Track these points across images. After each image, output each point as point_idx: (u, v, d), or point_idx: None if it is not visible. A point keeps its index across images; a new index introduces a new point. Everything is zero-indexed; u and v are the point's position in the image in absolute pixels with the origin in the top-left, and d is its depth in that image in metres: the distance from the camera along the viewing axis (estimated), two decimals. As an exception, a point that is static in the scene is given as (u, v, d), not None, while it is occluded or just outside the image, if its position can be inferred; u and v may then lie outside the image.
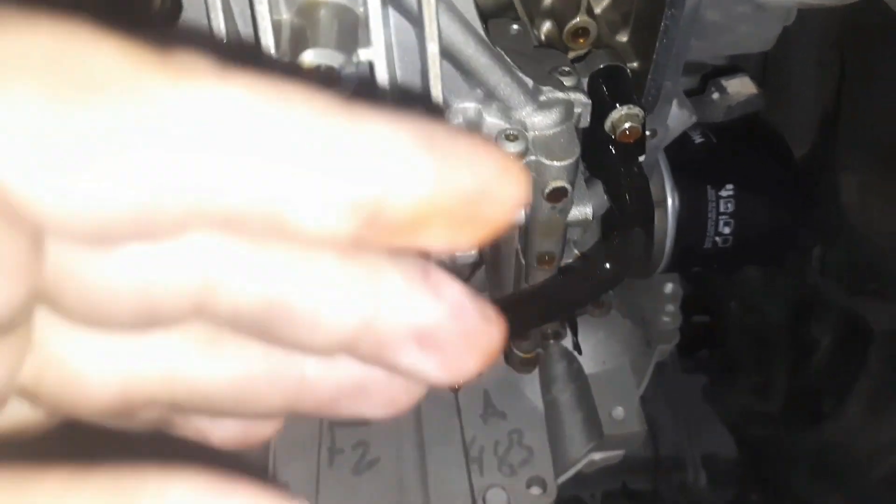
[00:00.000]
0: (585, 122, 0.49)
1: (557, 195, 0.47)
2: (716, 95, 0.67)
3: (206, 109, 0.17)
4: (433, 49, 0.38)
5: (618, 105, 0.48)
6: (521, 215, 0.50)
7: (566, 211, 0.49)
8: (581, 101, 0.47)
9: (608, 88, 0.49)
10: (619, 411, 0.84)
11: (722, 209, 0.68)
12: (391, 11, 0.41)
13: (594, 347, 0.87)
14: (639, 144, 0.49)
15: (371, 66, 0.37)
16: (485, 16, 0.53)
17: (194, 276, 0.19)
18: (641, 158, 0.50)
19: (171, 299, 0.19)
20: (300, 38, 0.36)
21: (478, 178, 0.19)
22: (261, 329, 0.21)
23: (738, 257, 0.73)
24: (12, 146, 0.15)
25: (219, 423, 0.25)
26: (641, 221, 0.48)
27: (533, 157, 0.46)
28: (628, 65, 0.54)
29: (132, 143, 0.16)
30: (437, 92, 0.39)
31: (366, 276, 0.21)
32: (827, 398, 0.95)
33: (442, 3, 0.40)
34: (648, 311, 0.92)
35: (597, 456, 0.87)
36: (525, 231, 0.52)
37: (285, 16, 0.37)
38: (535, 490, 0.82)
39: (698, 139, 0.71)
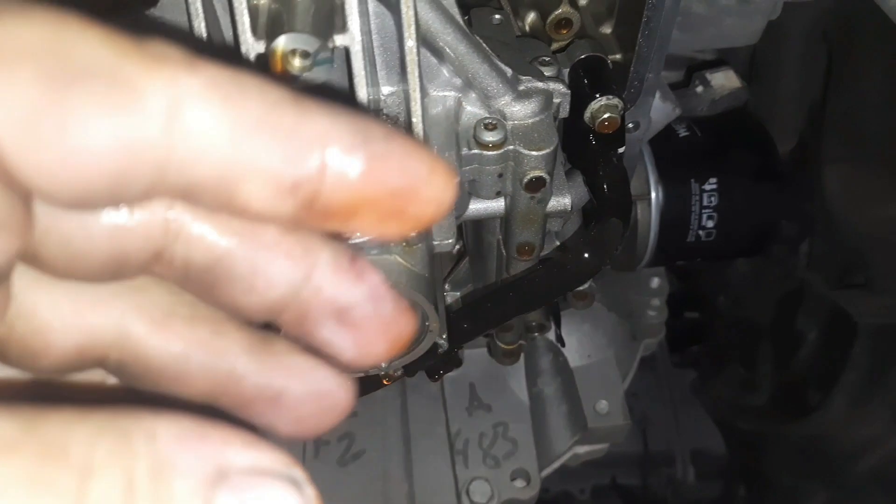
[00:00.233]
0: (565, 112, 0.49)
1: (536, 185, 0.47)
2: (700, 88, 0.67)
3: (172, 97, 0.20)
4: (410, 44, 0.38)
5: (597, 95, 0.48)
6: (500, 206, 0.50)
7: (545, 201, 0.49)
8: (560, 91, 0.47)
9: (588, 79, 0.50)
10: (603, 405, 0.85)
11: (705, 203, 0.69)
12: (369, -1, 0.41)
13: (579, 341, 0.87)
14: (618, 135, 0.49)
15: (347, 52, 0.37)
16: (468, 5, 0.54)
17: (157, 230, 0.23)
18: (621, 150, 0.51)
19: (137, 250, 0.23)
20: (277, 23, 0.36)
21: (406, 175, 0.22)
22: (206, 285, 0.24)
23: (721, 251, 0.73)
24: (10, 120, 0.18)
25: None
26: (619, 212, 0.48)
27: (511, 147, 0.46)
28: (612, 57, 0.54)
29: (108, 124, 0.19)
30: (414, 83, 0.39)
31: (299, 251, 0.24)
32: (813, 391, 0.96)
33: (420, -10, 0.40)
34: (634, 305, 0.93)
35: (581, 449, 0.88)
36: (505, 222, 0.52)
37: (263, 0, 0.37)
38: (520, 482, 0.83)
39: (683, 133, 0.71)
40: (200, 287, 0.24)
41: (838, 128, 0.78)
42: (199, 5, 0.37)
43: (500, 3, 0.55)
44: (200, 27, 0.36)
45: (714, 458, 1.35)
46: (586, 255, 0.49)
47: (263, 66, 0.36)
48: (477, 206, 0.50)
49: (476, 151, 0.45)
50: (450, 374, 0.88)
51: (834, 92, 0.78)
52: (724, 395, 1.22)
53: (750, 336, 1.10)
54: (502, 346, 0.71)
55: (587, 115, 0.49)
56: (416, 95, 0.40)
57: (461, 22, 0.43)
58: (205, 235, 0.23)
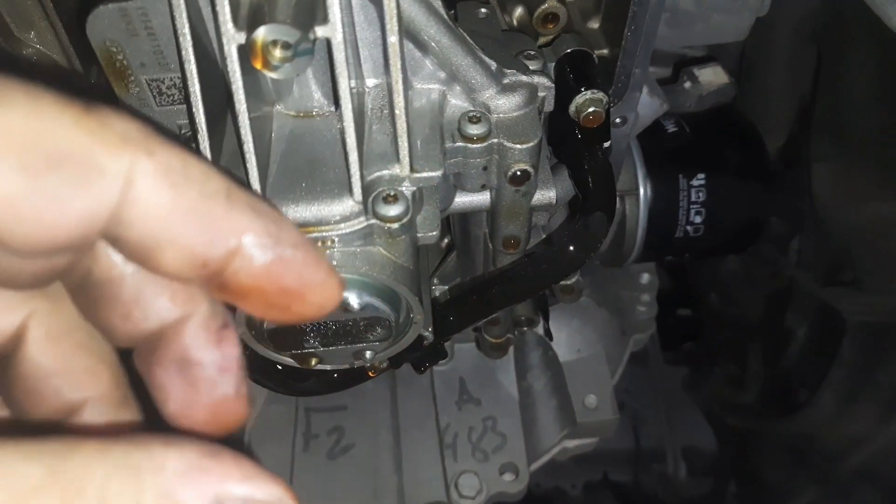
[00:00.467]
0: (550, 106, 0.49)
1: (521, 178, 0.47)
2: (688, 84, 0.68)
3: (129, 173, 0.23)
4: (393, 39, 0.38)
5: (582, 89, 0.48)
6: (486, 199, 0.50)
7: (530, 195, 0.49)
8: (545, 84, 0.48)
9: (573, 73, 0.50)
10: (592, 399, 0.85)
11: (693, 198, 0.69)
12: (353, -10, 0.41)
13: (569, 336, 0.87)
14: (603, 129, 0.49)
15: (329, 43, 0.37)
16: (455, -1, 0.54)
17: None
18: (607, 144, 0.51)
19: (63, 266, 0.27)
20: (258, 14, 0.36)
21: (299, 280, 0.26)
22: (91, 300, 0.28)
23: (709, 247, 0.73)
24: None
25: None
26: (604, 206, 0.48)
27: (496, 140, 0.46)
28: (599, 52, 0.54)
29: (77, 202, 0.23)
30: (398, 76, 0.40)
31: (183, 297, 0.27)
32: (802, 389, 0.96)
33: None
34: (624, 301, 0.93)
35: (570, 443, 0.88)
36: (491, 215, 0.52)
37: (244, -9, 0.38)
38: (508, 476, 0.83)
39: (671, 128, 0.71)
40: (86, 300, 0.28)
41: (827, 125, 0.79)
42: (180, -6, 0.37)
43: (488, -3, 0.55)
44: (182, 18, 0.36)
45: (705, 454, 1.35)
46: (571, 248, 0.49)
47: (245, 57, 0.36)
48: (462, 200, 0.50)
49: (460, 144, 0.46)
50: (439, 368, 0.88)
51: (823, 89, 0.78)
52: (715, 393, 1.22)
53: (740, 333, 1.10)
54: (490, 339, 0.71)
55: (572, 108, 0.49)
56: (399, 88, 0.40)
57: (445, 15, 0.44)
58: (112, 255, 0.26)
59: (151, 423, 0.30)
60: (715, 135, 0.72)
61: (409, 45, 0.44)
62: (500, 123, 0.46)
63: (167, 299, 0.27)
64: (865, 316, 0.84)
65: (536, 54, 0.50)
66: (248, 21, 0.36)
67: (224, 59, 0.37)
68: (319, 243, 0.42)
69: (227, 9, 0.35)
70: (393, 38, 0.38)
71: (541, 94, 0.48)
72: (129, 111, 0.26)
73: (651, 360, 1.33)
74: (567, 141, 0.51)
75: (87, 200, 0.23)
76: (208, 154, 0.40)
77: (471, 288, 0.54)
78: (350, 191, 0.41)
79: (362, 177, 0.41)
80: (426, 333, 0.49)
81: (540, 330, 0.73)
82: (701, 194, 0.68)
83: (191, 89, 0.38)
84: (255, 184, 0.40)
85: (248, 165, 0.40)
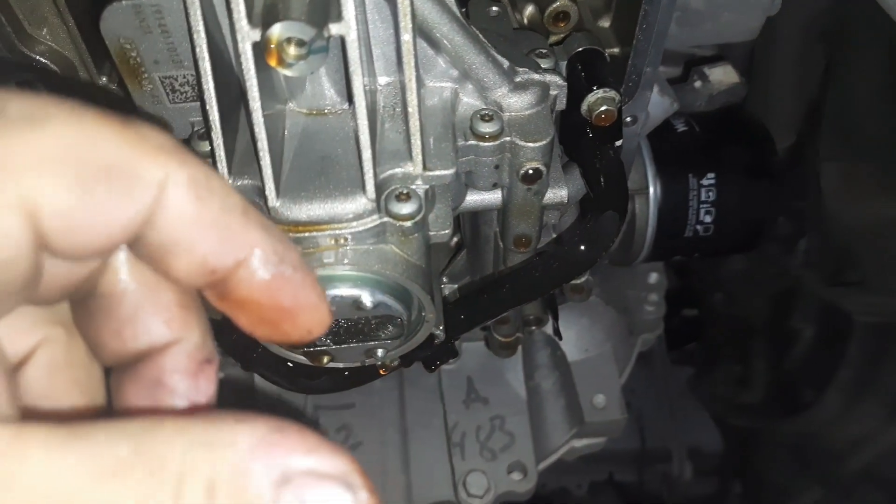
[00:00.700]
0: (562, 104, 0.49)
1: (532, 177, 0.47)
2: (698, 84, 0.68)
3: (163, 181, 0.25)
4: (407, 37, 0.38)
5: (594, 88, 0.48)
6: (497, 198, 0.50)
7: (541, 193, 0.49)
8: (557, 83, 0.48)
9: (585, 71, 0.50)
10: (600, 399, 0.85)
11: (703, 198, 0.69)
12: (366, -13, 0.41)
13: (577, 335, 0.87)
14: (615, 128, 0.49)
15: (343, 41, 0.37)
16: (466, -3, 0.54)
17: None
18: (618, 143, 0.51)
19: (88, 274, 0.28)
20: (272, 11, 0.36)
21: (294, 300, 0.28)
22: (88, 311, 0.29)
23: (718, 246, 0.73)
24: (53, 215, 0.24)
25: None
26: (616, 205, 0.48)
27: (508, 138, 0.46)
28: (610, 50, 0.54)
29: (121, 210, 0.25)
30: (411, 74, 0.40)
31: (179, 324, 0.29)
32: (807, 389, 0.96)
33: (417, -19, 0.40)
34: (632, 301, 0.93)
35: (578, 443, 0.88)
36: (502, 213, 0.52)
37: (259, -11, 0.38)
38: (516, 475, 0.83)
39: (681, 128, 0.71)
40: (85, 311, 0.29)
41: (835, 125, 0.79)
42: (195, -8, 0.37)
43: (499, -5, 0.55)
44: (196, 15, 0.36)
45: (710, 454, 1.35)
46: (582, 247, 0.49)
47: (259, 55, 0.36)
48: (474, 198, 0.50)
49: (472, 142, 0.46)
50: (447, 366, 0.88)
51: (831, 89, 0.78)
52: (720, 393, 1.22)
53: (746, 333, 1.10)
54: (499, 338, 0.71)
55: (584, 107, 0.49)
56: (412, 86, 0.40)
57: (458, 13, 0.44)
58: (118, 269, 0.28)
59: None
60: (724, 134, 0.72)
61: (421, 43, 0.44)
62: (513, 122, 0.46)
63: (162, 322, 0.28)
64: (872, 316, 0.84)
65: (548, 53, 0.49)
66: (263, 18, 0.36)
67: (238, 56, 0.37)
68: (332, 241, 0.42)
69: (242, 6, 0.35)
70: (406, 36, 0.38)
71: (553, 92, 0.48)
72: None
73: (656, 360, 1.33)
74: (579, 139, 0.51)
75: (130, 207, 0.25)
76: (222, 151, 0.40)
77: (482, 287, 0.54)
78: (363, 189, 0.41)
79: (375, 175, 0.41)
80: (437, 332, 0.49)
81: (548, 329, 0.73)
82: (711, 194, 0.68)
83: (205, 87, 0.38)
84: (269, 181, 0.40)
85: (261, 163, 0.40)
